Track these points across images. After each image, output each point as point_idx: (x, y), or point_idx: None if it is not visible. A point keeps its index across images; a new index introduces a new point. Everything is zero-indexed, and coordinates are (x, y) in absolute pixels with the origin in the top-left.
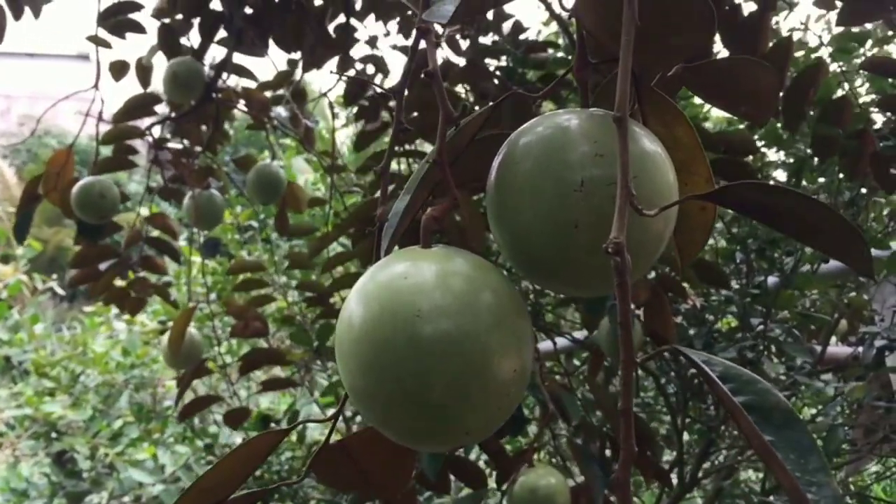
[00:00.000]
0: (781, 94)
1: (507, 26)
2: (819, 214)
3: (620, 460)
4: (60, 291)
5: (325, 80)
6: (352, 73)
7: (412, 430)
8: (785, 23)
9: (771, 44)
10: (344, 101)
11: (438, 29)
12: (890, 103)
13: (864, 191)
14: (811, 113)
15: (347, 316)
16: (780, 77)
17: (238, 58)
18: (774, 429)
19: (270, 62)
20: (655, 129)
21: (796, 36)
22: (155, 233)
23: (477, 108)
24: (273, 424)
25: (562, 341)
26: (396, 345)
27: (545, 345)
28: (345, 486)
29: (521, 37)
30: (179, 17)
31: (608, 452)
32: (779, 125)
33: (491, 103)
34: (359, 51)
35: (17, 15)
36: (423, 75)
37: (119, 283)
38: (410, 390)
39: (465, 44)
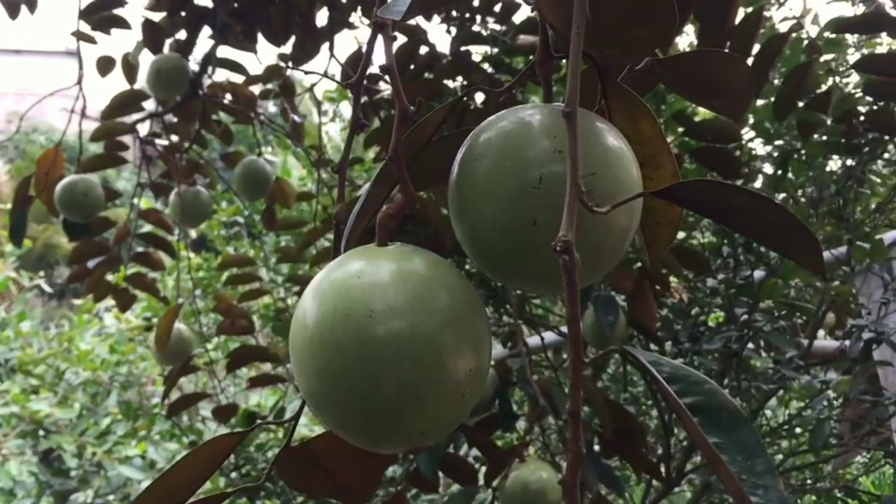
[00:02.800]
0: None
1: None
2: (772, 213)
3: (568, 462)
4: (48, 289)
5: (310, 76)
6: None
7: (366, 433)
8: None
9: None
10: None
11: (424, 21)
12: (876, 89)
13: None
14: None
15: (301, 316)
16: (746, 57)
17: (229, 52)
18: (722, 430)
19: (256, 58)
20: (621, 124)
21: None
22: (148, 228)
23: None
24: (260, 420)
25: (550, 336)
26: (349, 346)
27: (533, 340)
28: (312, 489)
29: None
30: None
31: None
32: (766, 122)
33: (452, 99)
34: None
35: (14, 14)
36: (379, 70)
37: (111, 278)
38: (363, 393)
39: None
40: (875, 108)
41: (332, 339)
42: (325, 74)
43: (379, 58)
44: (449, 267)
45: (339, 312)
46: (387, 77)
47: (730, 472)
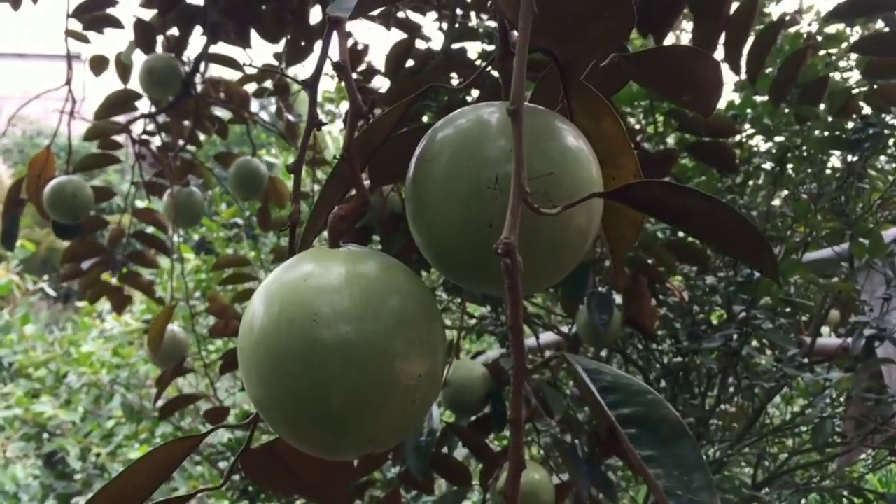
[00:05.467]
0: (746, 51)
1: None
2: (723, 216)
3: (508, 473)
4: (51, 292)
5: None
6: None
7: (313, 441)
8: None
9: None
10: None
11: (417, 17)
12: (876, 69)
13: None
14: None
15: (249, 319)
16: (741, 48)
17: (223, 48)
18: (659, 443)
19: (248, 56)
20: (583, 122)
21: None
22: (143, 227)
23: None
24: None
25: (548, 336)
26: (293, 352)
27: (530, 341)
28: (280, 488)
29: None
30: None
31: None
32: (765, 119)
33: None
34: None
35: (16, 5)
36: (332, 66)
37: (109, 279)
38: (309, 400)
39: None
40: (872, 87)
41: (278, 344)
42: (315, 80)
43: (378, 57)
44: (402, 270)
45: (283, 316)
46: (384, 73)
47: (658, 486)
